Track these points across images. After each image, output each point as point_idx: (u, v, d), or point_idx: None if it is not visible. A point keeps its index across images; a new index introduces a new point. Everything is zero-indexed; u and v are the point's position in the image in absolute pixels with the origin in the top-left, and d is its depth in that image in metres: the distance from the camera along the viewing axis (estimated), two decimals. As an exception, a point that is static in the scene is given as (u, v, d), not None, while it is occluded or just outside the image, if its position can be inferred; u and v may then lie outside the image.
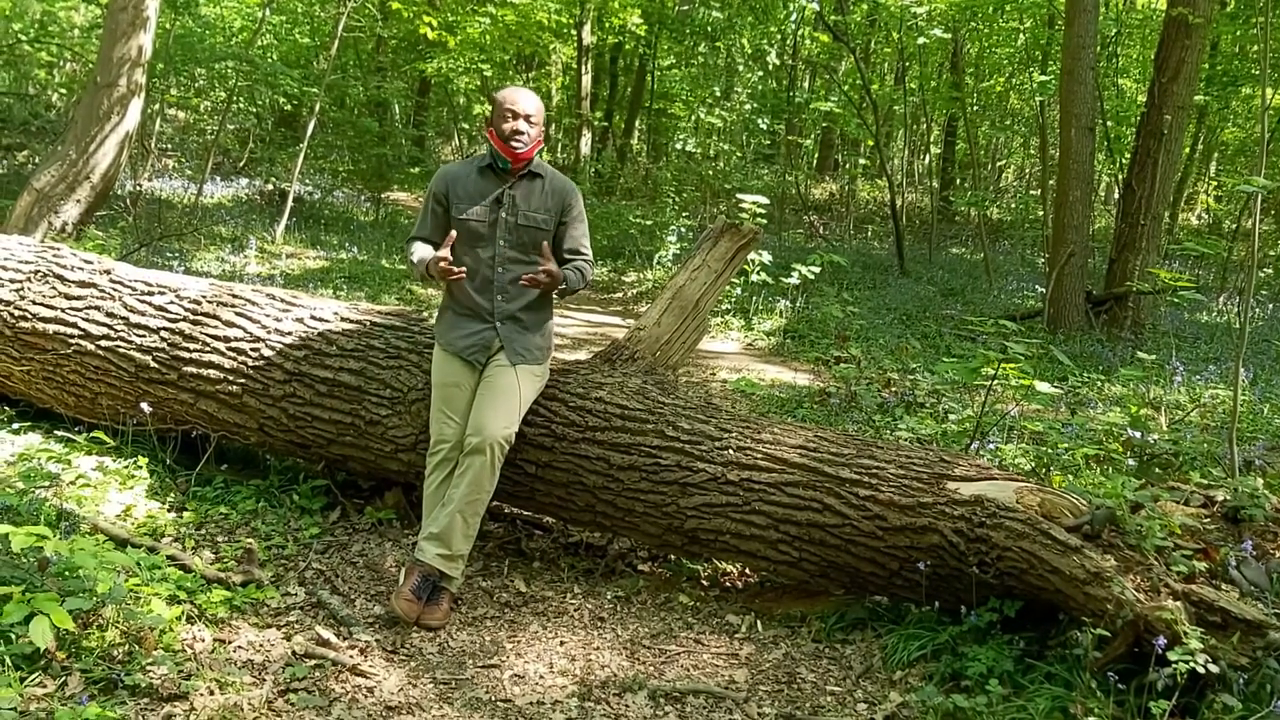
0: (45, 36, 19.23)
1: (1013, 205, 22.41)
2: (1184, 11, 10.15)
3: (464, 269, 3.76)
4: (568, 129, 22.62)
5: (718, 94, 20.98)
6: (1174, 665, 2.80)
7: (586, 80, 21.20)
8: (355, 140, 18.53)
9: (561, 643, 3.64)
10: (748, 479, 3.83)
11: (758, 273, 10.84)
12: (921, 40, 16.05)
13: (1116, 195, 14.79)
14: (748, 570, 4.23)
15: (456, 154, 25.98)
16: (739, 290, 11.44)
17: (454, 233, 3.81)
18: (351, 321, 4.48)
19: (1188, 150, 15.36)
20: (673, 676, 3.46)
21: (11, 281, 4.83)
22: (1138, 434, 5.34)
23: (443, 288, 3.99)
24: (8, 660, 2.82)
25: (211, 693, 2.98)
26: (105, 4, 11.77)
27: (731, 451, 3.90)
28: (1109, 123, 14.38)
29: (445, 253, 3.73)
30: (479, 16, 17.82)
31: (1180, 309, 12.10)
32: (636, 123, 25.06)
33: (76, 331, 4.62)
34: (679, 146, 21.19)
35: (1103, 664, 3.02)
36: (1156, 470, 5.03)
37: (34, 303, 4.74)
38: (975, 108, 20.31)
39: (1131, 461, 5.03)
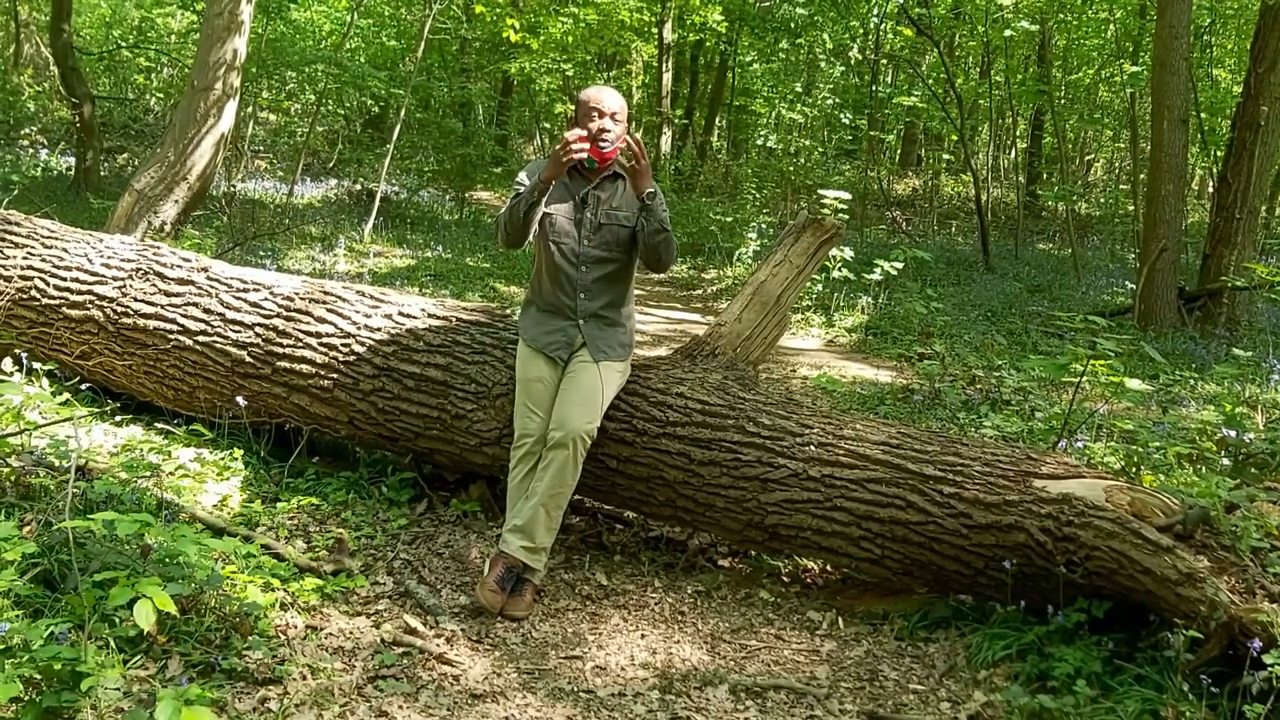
0: (144, 42, 19.93)
1: (1102, 200, 21.88)
2: (1283, -1, 9.82)
3: (586, 132, 3.75)
4: (648, 127, 22.64)
5: (799, 90, 20.81)
6: (1270, 669, 2.74)
7: (667, 78, 21.20)
8: (440, 141, 18.84)
9: (642, 636, 3.67)
10: (829, 475, 3.81)
11: (839, 269, 10.77)
12: (1008, 33, 15.75)
13: (1210, 189, 14.36)
14: (829, 567, 4.21)
15: (538, 153, 26.21)
16: (820, 286, 11.36)
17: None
18: (438, 318, 4.56)
19: (1287, 142, 14.80)
20: (753, 671, 3.47)
21: (114, 279, 5.01)
22: (1233, 433, 5.19)
23: (534, 264, 4.06)
24: (112, 643, 2.93)
25: (304, 677, 3.07)
26: (201, 9, 12.13)
27: (813, 447, 3.89)
28: (1203, 115, 13.97)
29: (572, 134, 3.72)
30: (561, 17, 17.96)
31: (1277, 305, 11.71)
32: (717, 120, 25.01)
33: (175, 327, 4.78)
34: (760, 143, 21.07)
35: (1195, 667, 2.96)
36: (1253, 470, 4.89)
37: (135, 299, 4.90)
38: (1063, 101, 19.87)
39: (1226, 461, 4.90)
